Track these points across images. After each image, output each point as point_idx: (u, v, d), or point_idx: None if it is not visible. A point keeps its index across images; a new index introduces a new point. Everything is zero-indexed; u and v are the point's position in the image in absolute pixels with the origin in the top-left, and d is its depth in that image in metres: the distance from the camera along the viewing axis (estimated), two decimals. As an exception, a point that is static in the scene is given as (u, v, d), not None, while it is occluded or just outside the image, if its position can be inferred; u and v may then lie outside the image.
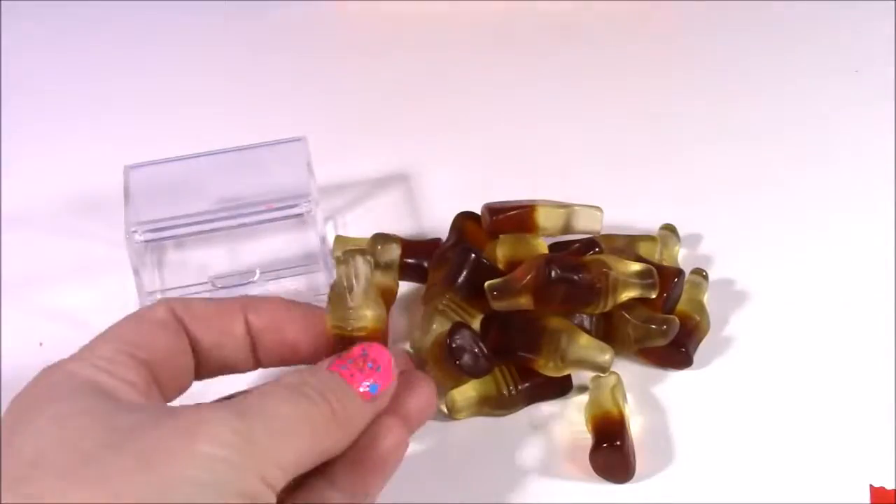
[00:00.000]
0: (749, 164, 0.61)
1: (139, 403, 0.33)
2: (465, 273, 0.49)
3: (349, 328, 0.37)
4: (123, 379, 0.33)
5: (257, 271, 0.54)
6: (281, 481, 0.31)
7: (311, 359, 0.38)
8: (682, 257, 0.55)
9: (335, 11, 0.74)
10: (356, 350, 0.36)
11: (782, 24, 0.70)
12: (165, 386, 0.35)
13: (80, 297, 0.56)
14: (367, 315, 0.38)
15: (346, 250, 0.39)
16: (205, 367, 0.37)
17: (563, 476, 0.47)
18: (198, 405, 0.31)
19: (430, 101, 0.66)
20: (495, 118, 0.65)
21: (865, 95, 0.65)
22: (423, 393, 0.38)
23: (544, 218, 0.53)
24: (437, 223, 0.57)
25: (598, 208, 0.54)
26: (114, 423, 0.30)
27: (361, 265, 0.38)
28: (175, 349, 0.35)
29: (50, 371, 0.33)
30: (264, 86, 0.68)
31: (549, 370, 0.48)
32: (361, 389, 0.34)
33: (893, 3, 0.70)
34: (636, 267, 0.48)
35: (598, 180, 0.60)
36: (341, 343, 0.37)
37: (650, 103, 0.65)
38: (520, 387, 0.48)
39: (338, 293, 0.38)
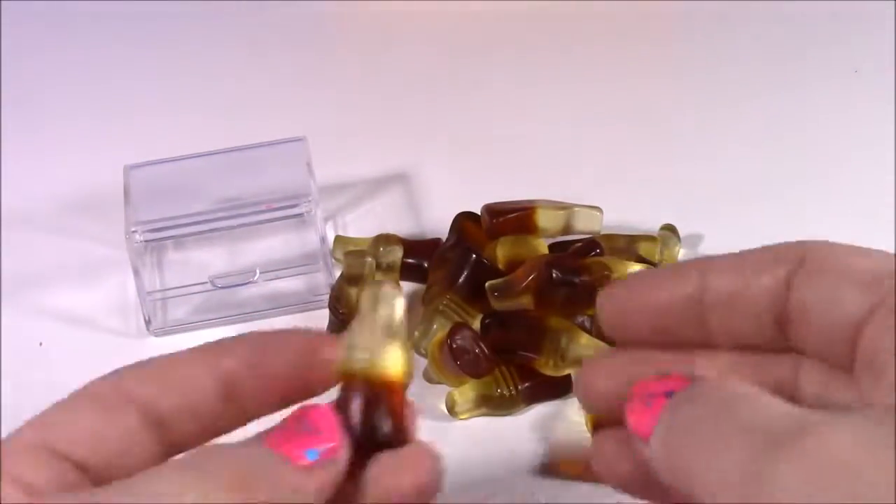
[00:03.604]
0: (749, 163, 0.61)
1: None
2: (465, 273, 0.49)
3: (351, 367, 0.29)
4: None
5: (257, 271, 0.54)
6: None
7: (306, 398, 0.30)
8: (683, 257, 0.55)
9: (335, 11, 0.74)
10: (291, 415, 0.29)
11: (782, 24, 0.70)
12: (102, 476, 0.28)
13: (80, 297, 0.55)
14: (392, 356, 0.29)
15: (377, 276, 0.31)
16: (175, 441, 0.29)
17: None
18: None
19: (429, 102, 0.66)
20: (495, 118, 0.65)
21: (865, 95, 0.65)
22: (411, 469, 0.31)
23: (544, 220, 0.53)
24: (437, 223, 0.57)
25: (597, 209, 0.54)
26: None
27: (391, 294, 0.29)
28: (108, 430, 0.28)
29: None
30: (264, 86, 0.68)
31: (550, 370, 0.48)
32: (300, 461, 0.28)
33: (893, 3, 0.70)
34: (637, 269, 0.48)
35: (598, 180, 0.60)
36: (348, 386, 0.29)
37: (650, 103, 0.65)
38: (520, 387, 0.48)
39: (356, 322, 0.30)
